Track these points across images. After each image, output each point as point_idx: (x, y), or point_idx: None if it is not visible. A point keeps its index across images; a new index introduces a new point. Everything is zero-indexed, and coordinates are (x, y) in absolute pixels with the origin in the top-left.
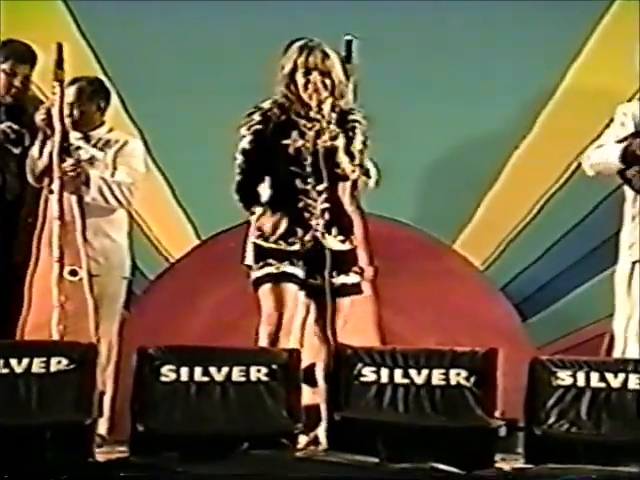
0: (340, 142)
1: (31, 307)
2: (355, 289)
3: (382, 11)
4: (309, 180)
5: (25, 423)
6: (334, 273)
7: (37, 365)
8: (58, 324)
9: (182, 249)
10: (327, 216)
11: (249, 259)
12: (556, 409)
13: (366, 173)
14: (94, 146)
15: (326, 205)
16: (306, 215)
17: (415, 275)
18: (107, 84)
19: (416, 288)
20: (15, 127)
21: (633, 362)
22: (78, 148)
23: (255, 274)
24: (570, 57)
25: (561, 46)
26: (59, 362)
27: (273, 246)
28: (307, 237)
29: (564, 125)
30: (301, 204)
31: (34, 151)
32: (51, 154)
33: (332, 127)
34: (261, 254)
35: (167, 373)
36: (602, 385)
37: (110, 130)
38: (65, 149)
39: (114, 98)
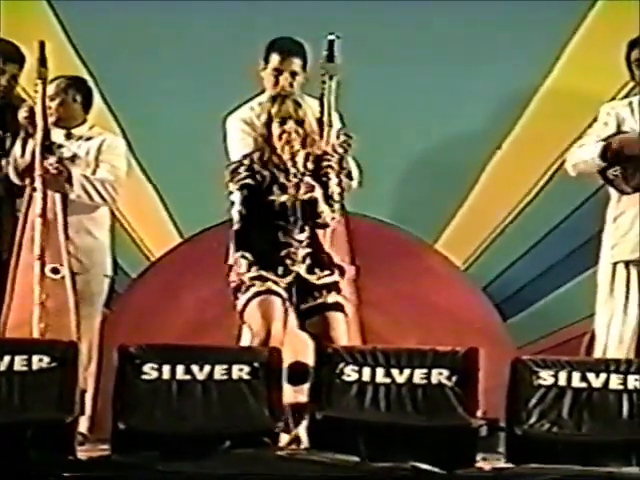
0: (318, 193)
1: (12, 304)
2: (340, 307)
3: (364, 10)
4: (292, 232)
5: (6, 421)
6: (324, 292)
7: (18, 363)
8: (39, 322)
9: (164, 247)
10: (309, 260)
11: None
12: (537, 409)
13: (348, 175)
14: (78, 140)
15: (307, 250)
16: (288, 262)
17: (396, 274)
18: (89, 83)
19: (397, 287)
20: None
21: (614, 362)
22: (60, 146)
23: (242, 299)
24: (553, 57)
25: (544, 46)
26: (40, 360)
27: (256, 275)
28: (288, 277)
29: (546, 125)
30: (283, 252)
31: (16, 149)
32: (33, 152)
33: (307, 179)
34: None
35: (149, 371)
36: (583, 385)
37: (92, 127)
38: (47, 147)
39: (97, 98)
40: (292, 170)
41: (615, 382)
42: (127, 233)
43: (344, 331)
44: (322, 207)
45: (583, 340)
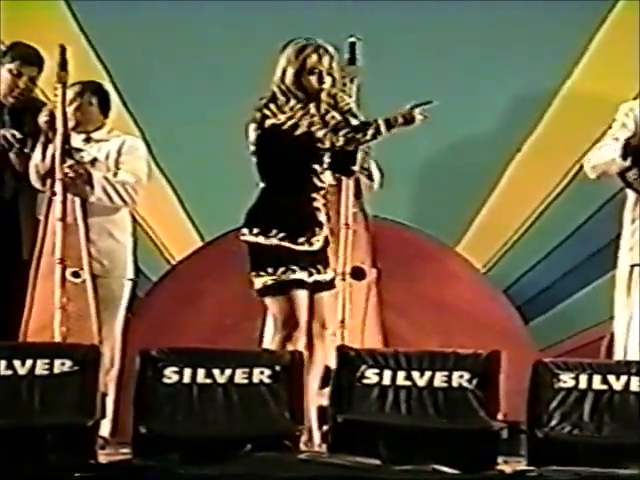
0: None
1: (33, 309)
2: (333, 284)
3: (379, 10)
4: (325, 178)
5: (28, 424)
6: (320, 268)
7: (40, 367)
8: (61, 326)
9: (185, 251)
10: (324, 216)
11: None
12: (558, 411)
13: (369, 176)
14: (97, 143)
15: (323, 202)
16: (317, 214)
17: (418, 277)
18: (108, 87)
19: (419, 290)
20: (18, 136)
21: (635, 364)
22: (80, 150)
23: (260, 280)
24: (572, 59)
25: (564, 48)
26: (62, 364)
27: (284, 244)
28: (319, 236)
29: (566, 128)
30: (314, 203)
31: (37, 154)
32: (53, 157)
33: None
34: (264, 257)
35: (170, 375)
36: (604, 387)
37: (110, 131)
38: (67, 151)
39: (116, 100)
40: (333, 113)
41: (636, 384)
42: (148, 237)
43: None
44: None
45: (603, 342)
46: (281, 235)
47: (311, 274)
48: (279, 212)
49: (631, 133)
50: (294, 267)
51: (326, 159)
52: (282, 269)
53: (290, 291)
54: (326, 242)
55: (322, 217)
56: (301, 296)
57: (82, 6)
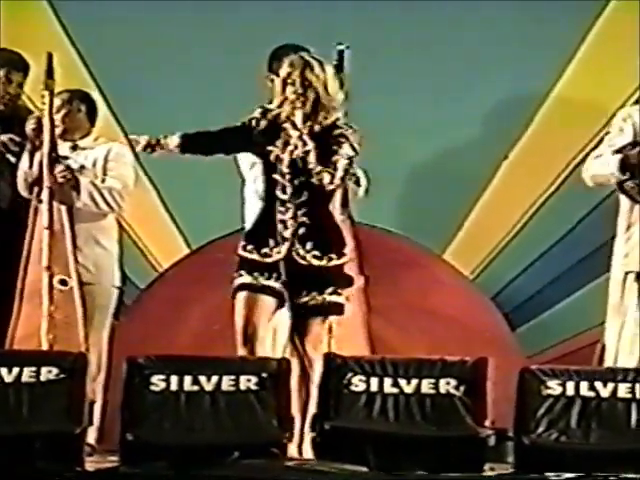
0: (312, 151)
1: (20, 316)
2: (337, 308)
3: (366, 13)
4: (287, 190)
5: (15, 432)
6: (318, 288)
7: (27, 374)
8: (48, 333)
9: (171, 258)
10: (303, 230)
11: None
12: (546, 418)
13: (356, 182)
14: (84, 150)
15: (304, 219)
16: (280, 227)
17: (405, 284)
18: (94, 95)
19: (406, 297)
20: (17, 139)
21: (622, 371)
22: (67, 158)
23: (235, 282)
24: (562, 64)
25: (552, 53)
26: (49, 371)
27: (248, 256)
28: (279, 249)
29: (555, 133)
30: (278, 216)
31: (24, 162)
32: (41, 164)
33: (305, 137)
34: (241, 264)
35: (157, 382)
36: (591, 394)
37: (97, 139)
38: (54, 159)
39: (104, 107)
40: (299, 126)
41: (623, 391)
42: (135, 244)
43: (321, 336)
44: (315, 166)
45: (595, 350)
46: (250, 247)
47: (293, 293)
48: (256, 225)
49: (629, 138)
50: (266, 274)
51: (288, 171)
52: (257, 273)
53: (259, 292)
54: (341, 261)
55: (287, 233)
56: (267, 302)
57: (69, 13)
